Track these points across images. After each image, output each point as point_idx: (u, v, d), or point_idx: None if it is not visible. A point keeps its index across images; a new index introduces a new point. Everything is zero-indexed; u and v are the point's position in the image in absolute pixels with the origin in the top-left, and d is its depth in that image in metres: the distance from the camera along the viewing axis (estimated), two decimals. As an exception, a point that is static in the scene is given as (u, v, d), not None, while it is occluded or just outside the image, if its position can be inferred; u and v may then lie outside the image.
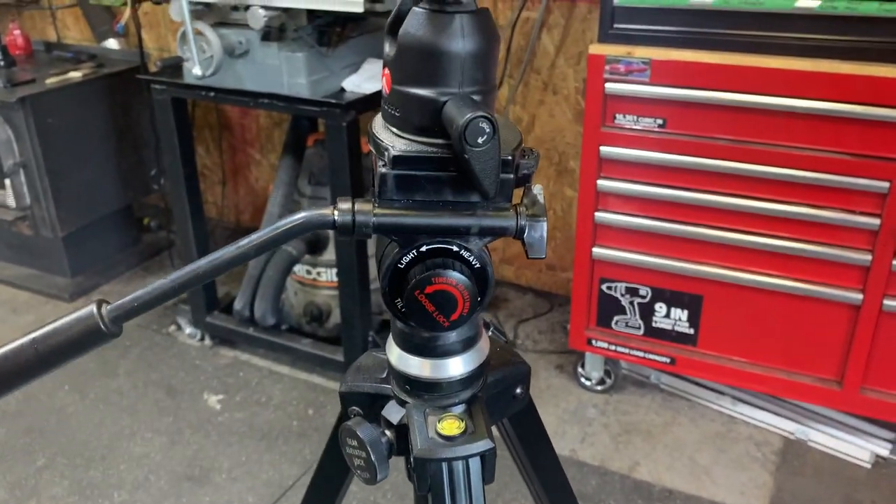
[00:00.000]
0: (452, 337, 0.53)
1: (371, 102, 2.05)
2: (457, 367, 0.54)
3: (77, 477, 2.00)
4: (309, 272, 2.41)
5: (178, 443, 2.11)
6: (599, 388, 2.25)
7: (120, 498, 1.93)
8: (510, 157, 0.46)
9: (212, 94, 2.11)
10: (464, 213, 0.47)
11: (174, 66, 2.20)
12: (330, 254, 2.34)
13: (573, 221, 2.55)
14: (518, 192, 0.50)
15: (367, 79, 2.04)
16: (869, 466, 1.95)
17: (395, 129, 0.48)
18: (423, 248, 0.48)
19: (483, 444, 0.53)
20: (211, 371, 2.41)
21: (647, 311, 2.06)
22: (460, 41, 0.45)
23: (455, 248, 0.48)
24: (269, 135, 2.98)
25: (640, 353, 2.10)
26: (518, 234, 0.48)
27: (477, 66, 0.46)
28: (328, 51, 2.02)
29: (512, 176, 0.47)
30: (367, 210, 0.47)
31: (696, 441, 2.06)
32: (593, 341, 2.14)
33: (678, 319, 2.03)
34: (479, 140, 0.42)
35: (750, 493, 1.89)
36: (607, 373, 2.25)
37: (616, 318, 2.10)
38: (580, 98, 2.38)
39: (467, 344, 0.55)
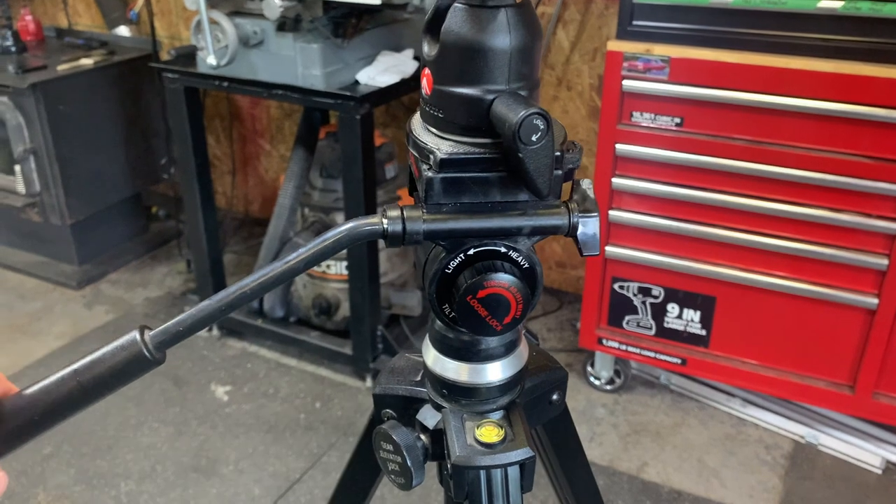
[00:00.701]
0: (494, 341, 0.52)
1: (385, 95, 2.04)
2: (496, 372, 0.53)
3: (83, 466, 2.00)
4: (318, 265, 2.40)
5: (184, 433, 2.10)
6: (609, 387, 2.24)
7: (126, 488, 1.93)
8: (559, 153, 0.45)
9: (225, 84, 2.10)
10: (514, 213, 0.46)
11: (187, 55, 2.18)
12: (340, 247, 2.33)
13: (584, 219, 2.54)
14: (566, 188, 0.48)
15: (382, 71, 2.03)
16: (880, 472, 1.94)
17: (437, 131, 0.47)
18: (471, 252, 0.46)
19: (523, 453, 0.51)
20: (218, 362, 2.40)
21: (659, 312, 2.05)
22: (506, 36, 0.44)
23: (503, 250, 0.47)
24: (279, 126, 2.96)
25: (651, 354, 2.09)
26: (570, 231, 0.47)
27: (523, 61, 0.45)
28: (343, 42, 2.00)
29: (561, 172, 0.46)
30: (416, 217, 0.45)
31: (706, 443, 2.05)
32: (604, 340, 2.13)
33: (690, 320, 2.02)
34: (534, 137, 0.41)
35: (759, 497, 1.88)
36: (617, 372, 2.24)
37: (628, 317, 2.09)
38: (594, 95, 2.37)
39: (508, 348, 0.53)
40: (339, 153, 2.18)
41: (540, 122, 0.41)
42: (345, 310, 2.41)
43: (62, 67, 2.61)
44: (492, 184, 0.46)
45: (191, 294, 2.63)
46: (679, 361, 2.06)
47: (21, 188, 2.66)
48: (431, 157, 0.45)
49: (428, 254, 0.48)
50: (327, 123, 2.47)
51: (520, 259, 0.47)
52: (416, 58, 2.13)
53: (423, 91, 0.47)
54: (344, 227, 0.44)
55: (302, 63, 1.98)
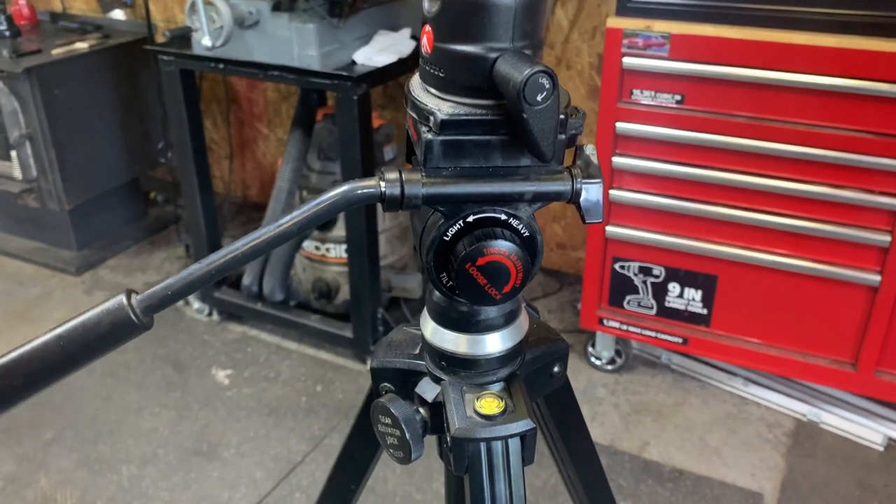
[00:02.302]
0: (493, 312, 0.51)
1: (383, 75, 2.02)
2: (495, 343, 0.52)
3: (85, 451, 1.99)
4: (318, 248, 2.39)
5: (186, 418, 2.10)
6: (610, 367, 2.23)
7: (128, 472, 1.93)
8: (562, 117, 0.43)
9: (221, 65, 2.08)
10: (516, 178, 0.45)
11: (182, 37, 2.16)
12: (339, 230, 2.32)
13: (584, 199, 2.52)
14: (568, 154, 0.47)
15: (379, 51, 2.01)
16: (882, 449, 1.94)
17: (437, 92, 0.45)
18: (471, 219, 0.45)
19: (524, 424, 0.50)
20: (219, 346, 2.40)
21: (660, 291, 2.04)
22: None
23: (503, 217, 0.46)
24: (276, 109, 2.94)
25: (653, 333, 2.08)
26: (573, 198, 0.46)
27: (528, 19, 0.43)
28: (339, 22, 1.98)
29: (564, 136, 0.44)
30: (415, 180, 0.44)
31: (707, 422, 2.05)
32: (605, 321, 2.12)
33: (692, 299, 2.01)
34: (539, 97, 0.39)
35: (761, 475, 1.88)
36: (618, 352, 2.23)
37: (628, 297, 2.08)
38: (594, 74, 2.34)
39: (508, 319, 0.52)
40: (337, 135, 2.16)
41: (546, 81, 0.39)
42: (345, 293, 2.40)
43: (57, 52, 2.58)
44: (493, 147, 0.44)
45: (190, 279, 2.62)
46: (680, 341, 2.05)
47: (18, 174, 2.65)
48: (431, 118, 0.43)
49: (425, 222, 0.47)
50: (324, 105, 2.45)
51: (520, 227, 0.46)
52: (414, 37, 2.11)
53: (424, 50, 0.46)
54: (339, 189, 0.43)
55: (298, 43, 1.96)
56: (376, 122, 2.27)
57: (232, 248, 0.42)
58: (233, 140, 3.09)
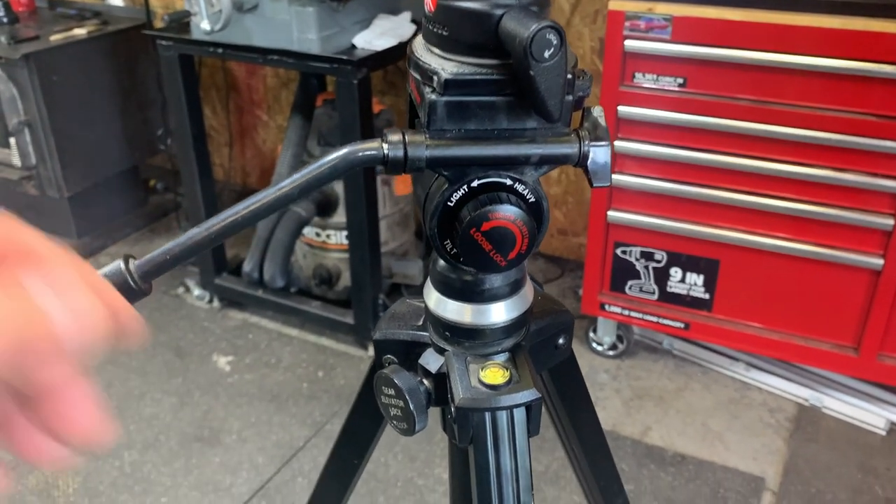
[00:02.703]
0: (498, 280, 0.50)
1: (383, 59, 2.00)
2: (500, 313, 0.51)
3: (87, 437, 1.99)
4: (318, 234, 2.38)
5: (187, 404, 2.10)
6: (611, 353, 2.23)
7: (130, 458, 1.93)
8: (570, 76, 0.42)
9: (220, 50, 2.06)
10: (522, 140, 0.44)
11: (181, 22, 2.15)
12: (340, 216, 2.31)
13: (585, 186, 2.52)
14: (575, 117, 0.46)
15: (379, 35, 1.99)
16: (884, 433, 1.94)
17: (441, 52, 0.44)
18: (475, 184, 0.44)
19: (530, 394, 0.50)
20: (220, 333, 2.39)
21: (662, 276, 2.03)
22: None
23: (509, 182, 0.45)
24: (276, 95, 2.93)
25: (654, 319, 2.07)
26: (580, 161, 0.45)
27: None
28: (339, 6, 1.97)
29: (571, 98, 0.44)
30: (419, 142, 0.43)
31: (709, 407, 2.05)
32: (606, 306, 2.12)
33: (693, 284, 2.01)
34: (547, 54, 0.38)
35: (763, 459, 1.88)
36: (619, 338, 2.23)
37: (630, 282, 2.08)
38: (596, 58, 2.33)
39: (513, 288, 0.52)
40: (337, 120, 2.15)
41: (553, 37, 0.38)
42: (346, 279, 2.40)
43: (55, 38, 2.57)
44: (499, 109, 0.43)
45: (190, 266, 2.61)
46: (682, 326, 2.04)
47: (17, 161, 2.64)
48: (435, 77, 0.42)
49: (428, 188, 0.46)
50: (324, 91, 2.44)
51: (526, 192, 0.45)
52: (414, 21, 2.09)
53: (427, 8, 0.45)
54: (341, 151, 0.42)
55: (297, 27, 1.95)
56: (377, 108, 2.26)
57: (231, 212, 0.41)
58: (232, 127, 3.07)
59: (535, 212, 0.46)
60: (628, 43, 1.79)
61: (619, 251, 2.05)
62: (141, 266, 0.41)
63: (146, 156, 3.00)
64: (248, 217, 0.41)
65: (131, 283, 0.40)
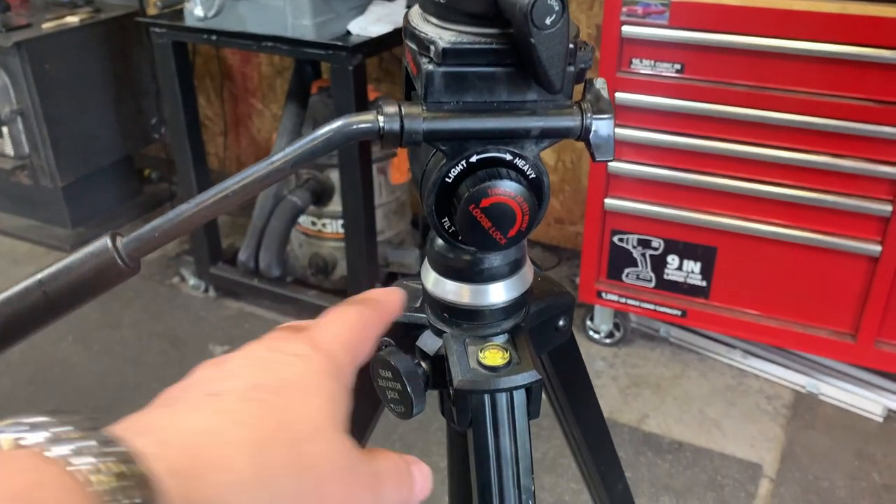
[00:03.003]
0: (497, 260, 0.49)
1: (378, 46, 1.99)
2: (499, 293, 0.50)
3: (82, 427, 1.98)
4: (314, 223, 2.37)
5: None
6: (608, 340, 2.23)
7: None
8: (572, 46, 0.41)
9: (213, 37, 2.04)
10: (522, 113, 0.43)
11: (174, 9, 2.13)
12: (336, 205, 2.30)
13: (582, 174, 2.51)
14: (577, 91, 0.45)
15: (375, 21, 1.98)
16: (881, 420, 1.94)
17: (438, 21, 0.43)
18: (474, 159, 0.43)
19: (530, 376, 0.49)
20: (216, 322, 2.38)
21: (659, 264, 2.02)
22: None
23: (509, 157, 0.44)
24: (271, 84, 2.91)
25: (651, 306, 2.07)
26: (583, 134, 0.44)
27: None
28: (334, -8, 1.95)
29: (573, 69, 0.42)
30: (416, 114, 0.41)
31: (706, 394, 2.04)
32: (603, 294, 2.11)
33: (691, 272, 2.00)
34: (548, 20, 0.37)
35: (760, 446, 1.88)
36: (616, 326, 2.22)
37: (627, 270, 2.07)
38: (593, 45, 2.31)
39: (512, 268, 0.51)
40: (332, 108, 2.13)
41: (555, 3, 0.37)
42: (342, 268, 2.39)
43: (47, 25, 2.54)
44: (498, 80, 0.42)
45: (185, 255, 2.60)
46: (679, 313, 2.04)
47: (10, 150, 2.62)
48: (432, 47, 0.41)
49: (426, 164, 0.45)
50: (319, 78, 2.42)
51: (526, 167, 0.44)
52: (410, 6, 2.07)
53: None
54: (335, 124, 0.40)
55: (291, 13, 1.93)
56: (372, 95, 2.24)
57: (221, 188, 0.40)
58: (227, 116, 3.05)
59: (536, 188, 0.45)
60: (625, 29, 1.77)
61: (615, 239, 2.04)
62: (128, 244, 0.40)
63: (140, 145, 2.98)
64: (239, 191, 0.40)
65: (118, 261, 0.39)
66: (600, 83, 0.45)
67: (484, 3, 0.40)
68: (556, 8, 0.37)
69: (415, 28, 0.43)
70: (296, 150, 0.40)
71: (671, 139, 1.85)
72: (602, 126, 0.44)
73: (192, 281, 2.53)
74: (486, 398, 0.49)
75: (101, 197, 2.91)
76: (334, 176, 2.26)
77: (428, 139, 0.42)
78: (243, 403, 0.32)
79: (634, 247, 2.03)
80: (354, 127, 0.41)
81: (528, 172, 0.44)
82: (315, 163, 2.31)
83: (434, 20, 0.43)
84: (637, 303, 2.08)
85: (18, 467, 0.24)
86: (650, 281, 2.06)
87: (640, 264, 2.05)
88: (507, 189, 0.42)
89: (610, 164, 1.94)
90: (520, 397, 0.50)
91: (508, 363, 0.50)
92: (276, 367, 0.35)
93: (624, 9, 1.76)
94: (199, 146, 2.33)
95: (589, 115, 0.43)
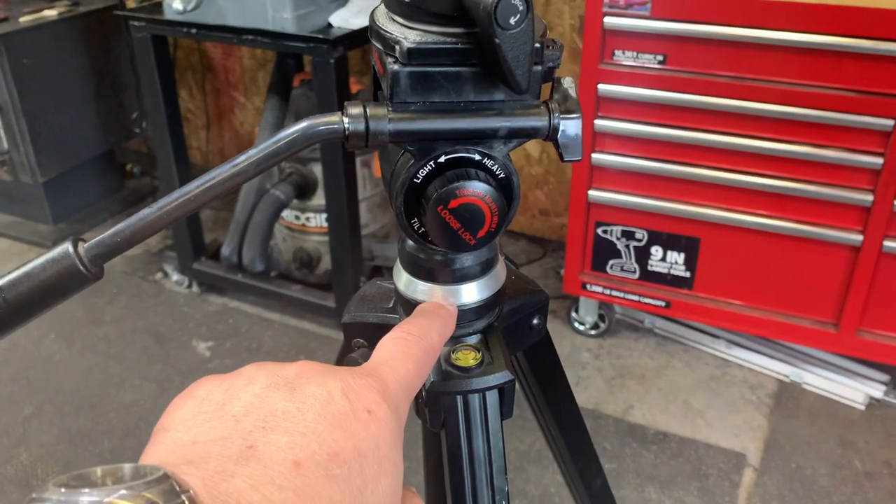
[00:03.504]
0: (468, 260, 0.49)
1: (360, 39, 1.97)
2: (471, 293, 0.50)
3: (66, 425, 1.97)
4: (298, 217, 2.35)
5: (167, 390, 2.08)
6: (593, 332, 2.23)
7: (110, 445, 1.91)
8: (538, 45, 0.41)
9: (193, 30, 2.02)
10: (489, 113, 0.42)
11: (153, 2, 2.11)
12: (319, 198, 2.29)
13: (567, 166, 2.50)
14: (545, 90, 0.44)
15: (356, 13, 1.96)
16: (863, 408, 1.95)
17: (403, 20, 0.42)
18: (442, 159, 0.43)
19: (502, 376, 0.49)
20: (199, 318, 2.37)
21: (643, 255, 2.03)
22: None
23: (477, 157, 0.43)
24: (253, 77, 2.89)
25: (636, 297, 2.07)
26: (550, 134, 0.43)
27: None
28: (315, -16, 1.93)
29: (540, 68, 0.42)
30: (381, 115, 0.41)
31: (691, 384, 2.05)
32: (588, 286, 2.11)
33: (674, 263, 2.00)
34: (513, 20, 0.37)
35: (744, 436, 1.89)
36: (601, 317, 2.23)
37: (611, 261, 2.07)
38: (576, 36, 2.31)
39: (484, 268, 0.50)
40: (314, 101, 2.12)
41: (519, 3, 0.36)
42: (326, 263, 2.38)
43: (24, 19, 2.51)
44: (465, 80, 0.41)
45: (168, 251, 2.58)
46: (663, 304, 2.05)
47: (-12, 146, 2.59)
48: (397, 47, 0.41)
49: (394, 165, 0.45)
50: (301, 71, 2.41)
51: (495, 167, 0.44)
52: None
53: None
54: (299, 125, 0.40)
55: (272, 6, 1.91)
56: (354, 88, 2.23)
57: (184, 191, 0.39)
58: (209, 109, 3.03)
59: (505, 188, 0.44)
60: (608, 20, 1.77)
61: (599, 230, 2.04)
62: (90, 249, 0.39)
63: (122, 140, 2.95)
64: (201, 195, 0.39)
65: (81, 268, 0.39)
66: (568, 82, 0.44)
67: (449, 3, 0.39)
68: (521, 8, 0.36)
69: (380, 27, 0.42)
70: (259, 152, 0.39)
71: (654, 130, 1.85)
72: (570, 126, 0.43)
73: (175, 276, 2.52)
74: (459, 399, 0.49)
75: (83, 192, 2.89)
76: (317, 170, 2.25)
77: (394, 140, 0.42)
78: (325, 485, 0.30)
79: (618, 238, 2.04)
80: (319, 128, 0.40)
81: (497, 172, 0.44)
82: (297, 155, 2.29)
83: (400, 19, 0.42)
84: (621, 294, 2.09)
85: None
86: (634, 272, 2.06)
87: (624, 256, 2.05)
88: (476, 189, 0.42)
89: (593, 155, 1.94)
90: (492, 398, 0.50)
91: (481, 363, 0.49)
92: (353, 427, 0.32)
93: (606, 0, 1.76)
94: (180, 140, 2.31)
95: (556, 114, 0.43)
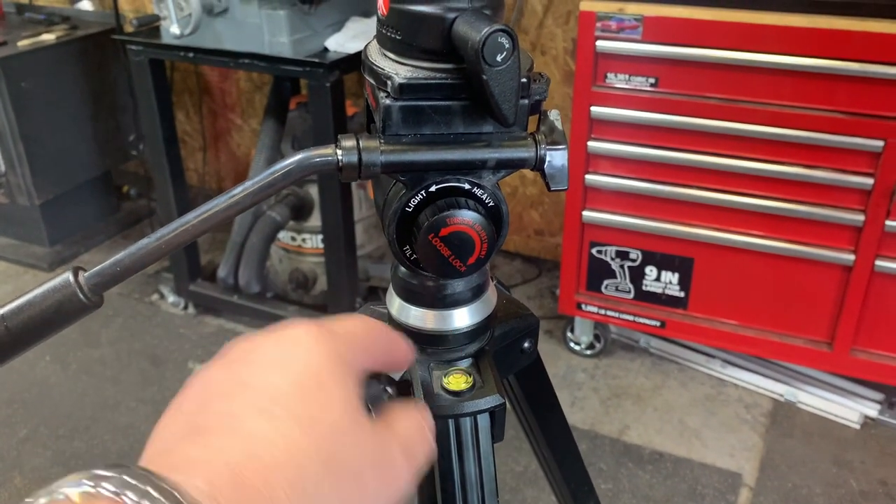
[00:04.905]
0: (460, 286, 0.50)
1: (356, 62, 1.99)
2: (463, 318, 0.51)
3: (60, 448, 1.96)
4: (294, 238, 2.36)
5: (163, 412, 2.07)
6: (589, 352, 2.24)
7: (105, 468, 1.90)
8: (525, 80, 0.42)
9: (191, 54, 2.04)
10: (478, 145, 0.43)
11: (151, 27, 2.13)
12: (315, 220, 2.30)
13: (561, 185, 2.52)
14: (532, 121, 0.46)
15: (352, 38, 1.98)
16: (858, 427, 1.96)
17: (395, 56, 0.44)
18: (433, 188, 0.44)
19: (493, 400, 0.49)
20: (196, 339, 2.37)
21: (637, 275, 2.04)
22: None
23: (467, 187, 0.44)
24: (249, 99, 2.91)
25: (630, 317, 2.08)
26: (538, 165, 0.45)
27: None
28: (311, 8, 1.96)
29: (527, 102, 0.43)
30: (373, 147, 0.42)
31: (686, 404, 2.06)
32: (583, 306, 2.12)
33: (669, 283, 2.02)
34: (499, 57, 0.38)
35: (740, 455, 1.89)
36: (597, 337, 2.23)
37: (606, 281, 2.08)
38: (569, 59, 2.34)
39: (475, 293, 0.51)
40: (311, 123, 2.14)
41: (505, 41, 0.38)
42: (322, 283, 2.38)
43: (23, 43, 2.53)
44: (454, 113, 0.43)
45: (164, 272, 2.58)
46: (658, 324, 2.05)
47: (-14, 169, 2.60)
48: (389, 82, 0.42)
49: (387, 194, 0.46)
50: (298, 94, 2.43)
51: (484, 196, 0.45)
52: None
53: (380, 12, 0.45)
54: (294, 157, 0.41)
55: (268, 31, 1.94)
56: (350, 110, 2.25)
57: (182, 222, 0.40)
58: (206, 131, 3.05)
59: (494, 216, 0.45)
60: (600, 43, 1.79)
61: (594, 251, 2.05)
62: (91, 278, 0.40)
63: (119, 162, 2.97)
64: (199, 225, 0.40)
65: (81, 296, 0.40)
66: (554, 115, 0.46)
67: (438, 40, 0.41)
68: (507, 45, 0.38)
69: (373, 63, 0.44)
70: (256, 184, 0.40)
71: (647, 152, 1.87)
72: (556, 157, 0.44)
73: (171, 298, 2.52)
74: (451, 423, 0.50)
75: (80, 214, 2.89)
76: (313, 191, 2.26)
77: (386, 171, 0.43)
78: (270, 424, 0.32)
79: (613, 258, 2.05)
80: (314, 160, 0.41)
81: (486, 201, 0.45)
82: (294, 178, 2.30)
83: (391, 55, 0.44)
84: (616, 314, 2.10)
85: None
86: (629, 292, 2.07)
87: (618, 276, 2.06)
88: (466, 218, 0.43)
89: (587, 176, 1.96)
90: (484, 421, 0.50)
91: (472, 387, 0.50)
92: (291, 365, 0.34)
93: (598, 24, 1.78)
94: (177, 162, 2.33)
95: (543, 146, 0.44)
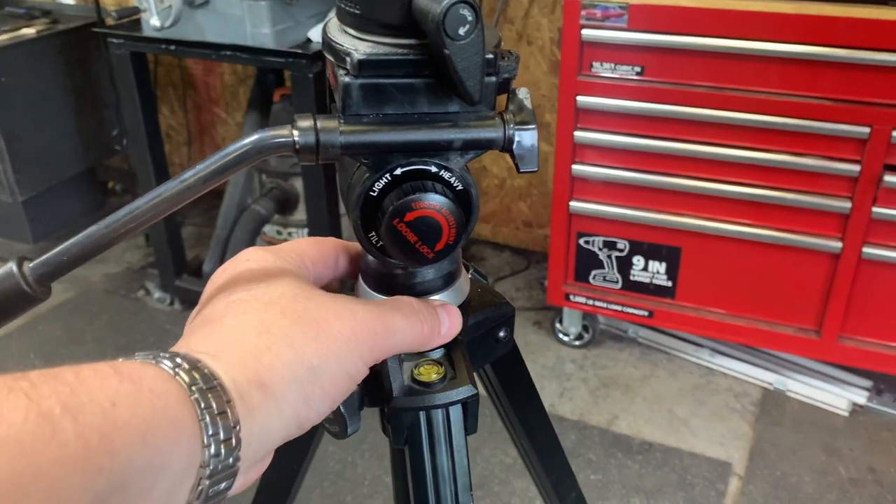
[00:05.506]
0: (430, 273, 0.48)
1: (339, 53, 1.97)
2: (433, 307, 0.49)
3: (45, 446, 1.94)
4: (280, 233, 2.34)
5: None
6: (577, 343, 2.23)
7: (90, 466, 1.88)
8: (492, 56, 0.40)
9: (172, 47, 2.02)
10: (443, 125, 0.42)
11: (132, 20, 2.10)
12: (300, 214, 2.28)
13: (549, 178, 2.50)
14: (501, 101, 0.44)
15: (335, 29, 1.96)
16: (846, 415, 1.96)
17: (355, 32, 0.42)
18: (398, 172, 0.42)
19: (465, 391, 0.48)
20: (182, 335, 2.34)
21: (625, 265, 2.03)
22: None
23: (434, 170, 0.43)
24: (234, 92, 2.88)
25: (619, 307, 2.07)
26: (506, 145, 0.43)
27: None
28: None
29: (494, 79, 0.42)
30: (331, 128, 0.40)
31: (675, 394, 2.05)
32: (571, 296, 2.11)
33: (656, 272, 2.01)
34: (461, 31, 0.36)
35: (729, 444, 1.89)
36: (585, 328, 2.22)
37: (594, 272, 2.07)
38: (555, 48, 2.32)
39: (446, 281, 0.50)
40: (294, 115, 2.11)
41: (467, 13, 0.36)
42: (309, 277, 2.36)
43: (2, 38, 2.49)
44: (418, 91, 0.41)
45: (150, 268, 2.56)
46: (646, 314, 2.05)
47: (-33, 165, 2.56)
48: (348, 59, 0.40)
49: (350, 178, 0.44)
50: (282, 86, 2.40)
51: (452, 179, 0.43)
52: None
53: None
54: (249, 139, 0.39)
55: (250, 22, 1.91)
56: (335, 102, 2.22)
57: (131, 208, 0.38)
58: (191, 125, 3.02)
59: (463, 200, 0.44)
60: (585, 32, 1.78)
61: (582, 241, 2.04)
62: (36, 268, 0.38)
63: (103, 157, 2.93)
64: (149, 211, 0.38)
65: (25, 287, 0.38)
66: (523, 93, 0.44)
67: (399, 14, 0.39)
68: (469, 18, 0.36)
69: (332, 39, 0.42)
70: (208, 167, 0.39)
71: (633, 141, 1.85)
72: (525, 137, 0.43)
73: (157, 294, 2.50)
74: (422, 415, 0.48)
75: (64, 210, 2.86)
76: (299, 184, 2.24)
77: (347, 153, 0.41)
78: (260, 307, 0.42)
79: (600, 249, 2.04)
80: (269, 142, 0.40)
81: (454, 184, 0.43)
82: (278, 170, 2.28)
83: (351, 31, 0.42)
84: (604, 304, 2.09)
85: (153, 372, 0.36)
86: (617, 282, 2.06)
87: (606, 266, 2.05)
88: (433, 202, 0.41)
89: (574, 167, 1.94)
90: (456, 413, 0.49)
91: (444, 378, 0.49)
92: (257, 275, 0.45)
93: (583, 12, 1.77)
94: (160, 157, 2.30)
95: (511, 125, 0.43)
